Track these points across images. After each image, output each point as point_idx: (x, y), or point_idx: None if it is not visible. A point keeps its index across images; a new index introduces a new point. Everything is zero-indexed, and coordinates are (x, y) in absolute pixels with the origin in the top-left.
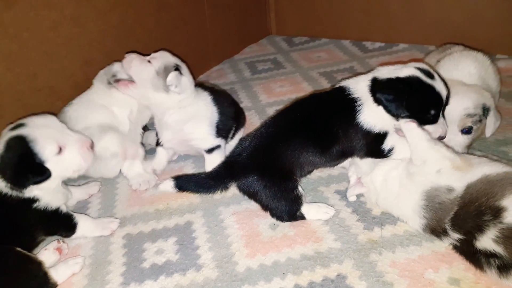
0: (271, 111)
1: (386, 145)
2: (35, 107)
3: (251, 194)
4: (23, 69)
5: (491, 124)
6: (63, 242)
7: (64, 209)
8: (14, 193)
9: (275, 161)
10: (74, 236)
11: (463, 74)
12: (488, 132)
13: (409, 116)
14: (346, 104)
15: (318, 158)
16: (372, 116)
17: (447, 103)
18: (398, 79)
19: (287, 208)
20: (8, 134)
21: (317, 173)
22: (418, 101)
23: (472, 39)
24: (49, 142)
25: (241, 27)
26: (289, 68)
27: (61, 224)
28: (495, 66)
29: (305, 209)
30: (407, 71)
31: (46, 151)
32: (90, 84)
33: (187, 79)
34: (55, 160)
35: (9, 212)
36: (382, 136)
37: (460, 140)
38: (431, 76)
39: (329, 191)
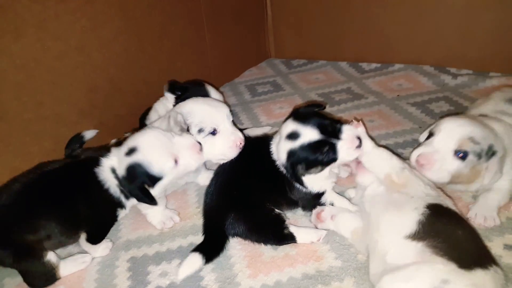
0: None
1: (325, 201)
2: (41, 134)
3: (238, 234)
4: (30, 97)
5: (492, 171)
6: None
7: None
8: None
9: (243, 192)
10: (94, 248)
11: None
12: (487, 178)
13: (323, 164)
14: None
15: (283, 201)
16: (308, 182)
17: (326, 129)
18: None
19: (271, 231)
20: (126, 159)
21: None
22: (307, 164)
23: (465, 58)
24: (165, 160)
25: (240, 51)
26: (288, 90)
27: (107, 227)
28: None
29: (293, 229)
30: (286, 148)
31: (164, 169)
32: (94, 111)
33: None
34: (173, 172)
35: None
36: (320, 194)
37: (448, 160)
38: (295, 136)
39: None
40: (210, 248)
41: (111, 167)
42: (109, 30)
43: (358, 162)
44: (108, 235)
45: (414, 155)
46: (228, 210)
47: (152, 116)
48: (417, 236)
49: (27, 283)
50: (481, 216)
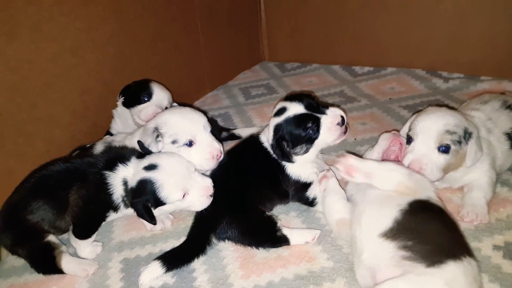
0: None
1: (310, 194)
2: (35, 135)
3: (230, 238)
4: (23, 99)
5: (472, 151)
6: None
7: None
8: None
9: (235, 195)
10: (81, 247)
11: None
12: (469, 160)
13: (307, 142)
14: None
15: (274, 195)
16: (296, 168)
17: (311, 106)
18: (273, 137)
19: (264, 233)
20: (142, 173)
21: None
22: (291, 140)
23: (456, 62)
24: (176, 191)
25: (234, 54)
26: (282, 93)
27: (93, 224)
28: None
29: (287, 231)
30: (273, 123)
31: (170, 198)
32: (88, 113)
33: None
34: (177, 203)
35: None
36: (307, 185)
37: (435, 159)
38: (282, 111)
39: (321, 211)
40: (173, 258)
41: (123, 178)
42: (103, 32)
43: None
44: (100, 237)
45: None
46: (221, 215)
47: (112, 123)
48: (390, 234)
49: (32, 266)
50: (472, 213)
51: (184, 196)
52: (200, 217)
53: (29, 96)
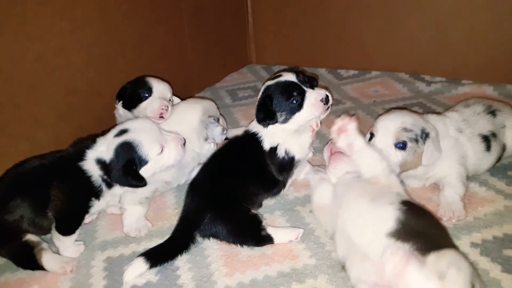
0: None
1: (281, 151)
2: (19, 136)
3: (215, 235)
4: (6, 99)
5: (428, 150)
6: None
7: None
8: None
9: (221, 191)
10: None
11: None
12: (425, 159)
13: (289, 111)
14: (255, 140)
15: (259, 189)
16: (269, 139)
17: (303, 81)
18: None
19: (249, 232)
20: (115, 140)
21: (294, 194)
22: (277, 101)
23: (439, 66)
24: (153, 144)
25: (222, 56)
26: None
27: (76, 217)
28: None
29: (271, 230)
30: (264, 85)
31: (151, 153)
32: (73, 114)
33: None
34: (157, 159)
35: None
36: (276, 148)
37: (392, 154)
38: (277, 77)
39: (305, 210)
40: (156, 254)
41: (95, 159)
42: (89, 33)
43: (333, 152)
44: (84, 236)
45: None
46: (205, 211)
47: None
48: (400, 236)
49: (15, 264)
50: (449, 211)
51: (162, 150)
52: (185, 215)
53: (12, 97)
